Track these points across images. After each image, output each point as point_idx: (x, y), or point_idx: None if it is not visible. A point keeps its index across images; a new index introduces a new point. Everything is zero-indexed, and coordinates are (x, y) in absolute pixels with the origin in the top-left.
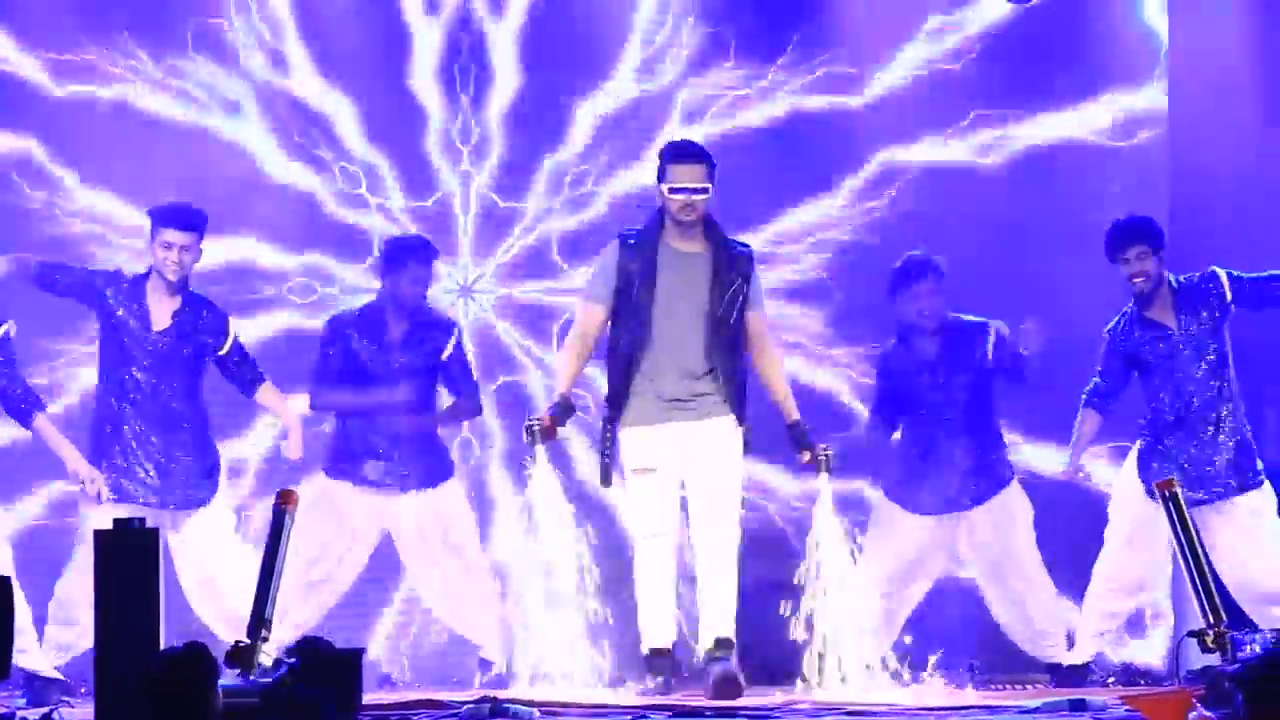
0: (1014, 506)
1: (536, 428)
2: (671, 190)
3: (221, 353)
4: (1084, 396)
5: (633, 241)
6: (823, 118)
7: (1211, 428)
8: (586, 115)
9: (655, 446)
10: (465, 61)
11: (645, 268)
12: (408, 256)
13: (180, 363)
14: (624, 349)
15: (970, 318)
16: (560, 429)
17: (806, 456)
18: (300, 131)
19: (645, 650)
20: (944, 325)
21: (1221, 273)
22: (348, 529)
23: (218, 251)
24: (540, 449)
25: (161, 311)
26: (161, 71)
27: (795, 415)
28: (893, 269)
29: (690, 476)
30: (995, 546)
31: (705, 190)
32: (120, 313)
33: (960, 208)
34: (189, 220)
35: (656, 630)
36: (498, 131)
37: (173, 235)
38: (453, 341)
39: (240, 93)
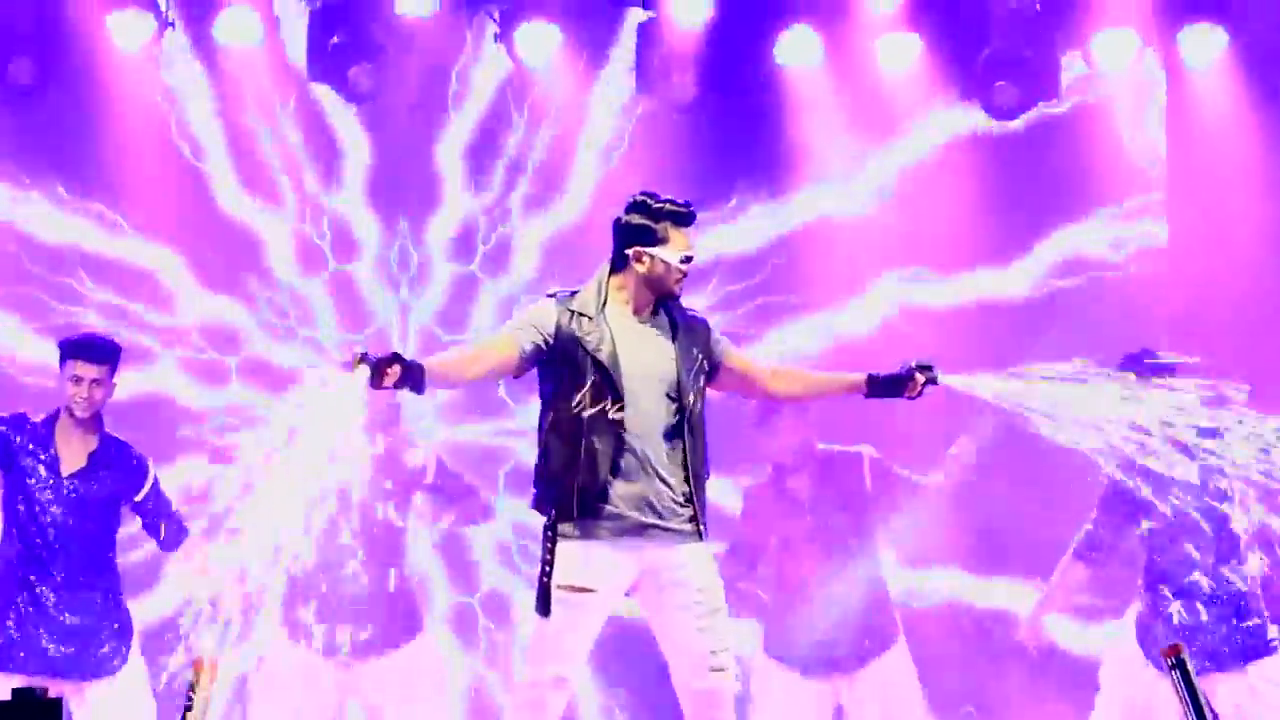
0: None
1: (372, 361)
2: (683, 260)
3: (138, 499)
4: (1072, 545)
5: (574, 308)
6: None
7: (1218, 587)
8: (533, 241)
9: (605, 564)
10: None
11: (602, 340)
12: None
13: (94, 510)
14: (582, 441)
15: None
16: (389, 384)
17: (921, 380)
18: (225, 260)
19: None
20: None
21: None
22: (308, 702)
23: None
24: (359, 379)
25: (73, 453)
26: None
27: (859, 375)
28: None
29: (669, 620)
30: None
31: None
32: (27, 459)
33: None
34: (100, 352)
35: None
36: (439, 258)
37: (83, 369)
38: (432, 466)
39: (159, 215)
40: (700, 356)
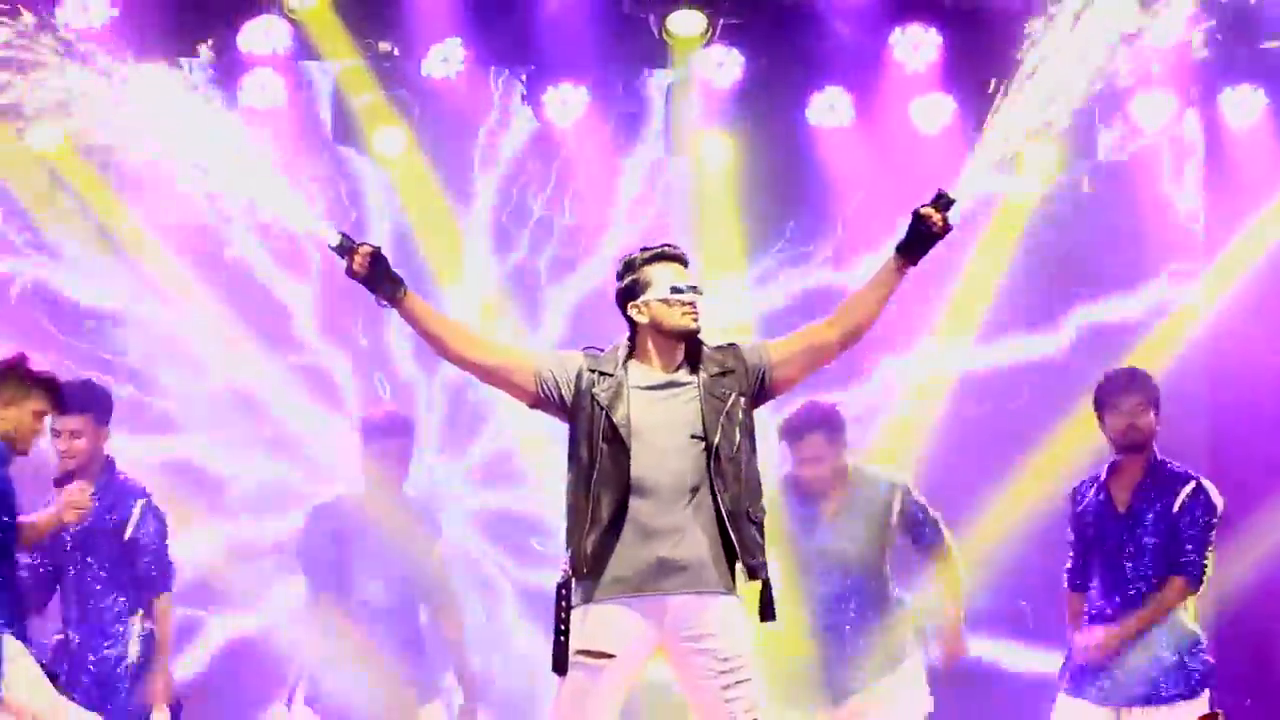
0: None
1: (357, 245)
2: (674, 290)
3: (124, 539)
4: (1064, 580)
5: (596, 367)
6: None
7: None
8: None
9: (623, 627)
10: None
11: (616, 396)
12: (377, 434)
13: (102, 561)
14: (592, 499)
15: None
16: (357, 269)
17: (934, 212)
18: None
19: None
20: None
21: (1188, 486)
22: None
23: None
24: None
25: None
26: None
27: (888, 256)
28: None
29: (696, 686)
30: None
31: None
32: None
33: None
34: (77, 402)
35: None
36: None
37: (60, 421)
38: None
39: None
40: (733, 394)
